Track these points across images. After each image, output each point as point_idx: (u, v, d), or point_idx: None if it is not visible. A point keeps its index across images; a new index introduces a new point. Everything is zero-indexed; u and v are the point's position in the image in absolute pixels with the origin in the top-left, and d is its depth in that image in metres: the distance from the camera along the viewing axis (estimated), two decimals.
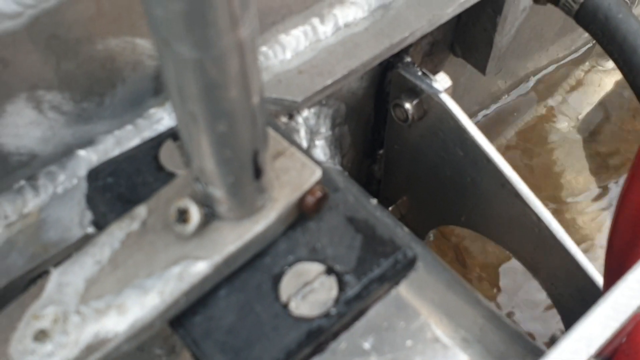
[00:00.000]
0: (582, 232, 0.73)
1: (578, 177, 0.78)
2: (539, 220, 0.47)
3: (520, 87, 0.81)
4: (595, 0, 0.47)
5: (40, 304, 0.26)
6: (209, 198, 0.27)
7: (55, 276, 0.26)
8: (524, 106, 0.81)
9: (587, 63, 0.86)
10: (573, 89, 0.84)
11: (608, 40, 0.47)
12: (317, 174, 0.30)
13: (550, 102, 0.80)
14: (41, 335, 0.25)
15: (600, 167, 0.79)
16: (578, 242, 0.51)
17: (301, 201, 0.30)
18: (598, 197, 0.77)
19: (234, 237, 0.28)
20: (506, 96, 0.78)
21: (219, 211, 0.27)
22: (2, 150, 0.32)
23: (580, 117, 0.85)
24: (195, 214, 0.26)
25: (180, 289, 0.27)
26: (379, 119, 0.54)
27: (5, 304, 0.28)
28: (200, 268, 0.27)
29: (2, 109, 0.30)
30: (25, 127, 0.32)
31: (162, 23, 0.19)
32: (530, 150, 0.79)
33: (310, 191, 0.30)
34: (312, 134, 0.46)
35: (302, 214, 0.30)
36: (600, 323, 0.31)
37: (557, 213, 0.74)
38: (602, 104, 0.88)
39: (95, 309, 0.25)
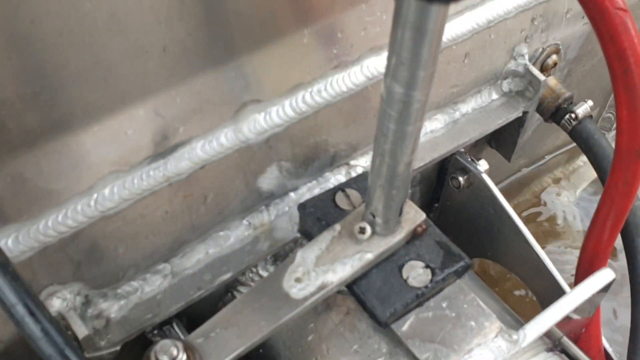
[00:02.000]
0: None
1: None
2: (538, 257, 0.75)
3: (533, 165, 1.10)
4: (582, 126, 0.76)
5: (294, 266, 0.53)
6: (375, 224, 0.55)
7: (300, 253, 0.54)
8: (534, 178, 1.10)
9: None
10: (575, 170, 1.12)
11: (587, 149, 0.75)
12: (423, 215, 0.58)
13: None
14: (297, 280, 0.53)
15: None
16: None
17: (414, 229, 0.58)
18: None
19: (384, 244, 0.55)
20: (522, 171, 1.07)
21: (378, 230, 0.55)
22: (260, 191, 0.60)
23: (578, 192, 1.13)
24: (369, 230, 0.54)
25: (358, 266, 0.54)
26: (438, 185, 0.83)
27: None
28: (369, 257, 0.54)
29: (264, 173, 0.59)
30: (271, 179, 0.61)
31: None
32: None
33: (419, 224, 0.58)
34: None
35: (415, 235, 0.58)
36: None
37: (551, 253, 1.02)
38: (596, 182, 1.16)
39: (322, 270, 0.53)
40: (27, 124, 0.45)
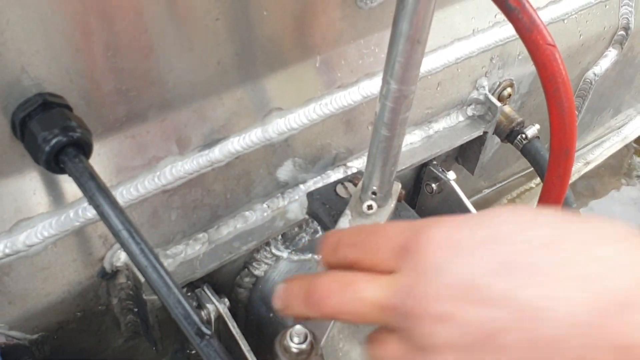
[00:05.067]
0: None
1: None
2: None
3: (493, 187, 1.28)
4: (530, 144, 0.94)
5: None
6: (376, 199, 0.71)
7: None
8: (494, 199, 1.29)
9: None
10: (527, 189, 1.31)
11: (534, 163, 0.93)
12: (399, 185, 0.75)
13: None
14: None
15: None
16: None
17: (399, 196, 0.74)
18: None
19: (386, 211, 0.71)
20: (484, 191, 1.25)
21: (379, 204, 0.71)
22: (277, 181, 0.76)
23: None
24: (375, 205, 0.70)
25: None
26: (415, 191, 1.00)
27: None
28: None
29: (282, 166, 0.75)
30: (287, 171, 0.77)
31: None
32: None
33: (400, 192, 0.74)
34: None
35: (398, 201, 0.74)
36: None
37: None
38: None
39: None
40: (118, 113, 0.61)
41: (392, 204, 0.72)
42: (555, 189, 0.73)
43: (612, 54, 1.07)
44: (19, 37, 0.50)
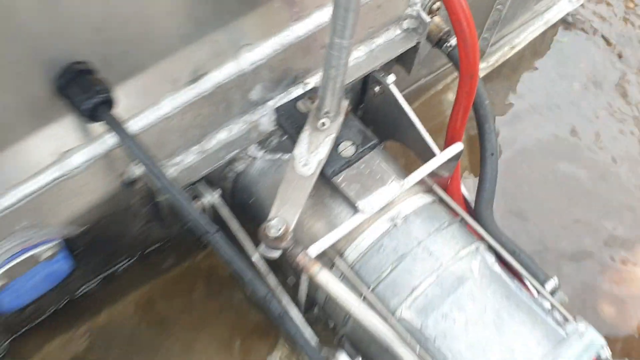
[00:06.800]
0: None
1: None
2: (423, 139, 1.15)
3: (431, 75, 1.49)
4: (454, 51, 1.14)
5: (298, 158, 0.92)
6: (328, 117, 0.92)
7: (297, 150, 0.92)
8: (431, 85, 1.51)
9: None
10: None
11: (457, 67, 1.15)
12: (347, 102, 0.96)
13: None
14: (304, 165, 0.91)
15: None
16: None
17: (346, 112, 0.96)
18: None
19: (336, 125, 0.93)
20: (423, 80, 1.46)
21: (331, 119, 0.93)
22: (250, 101, 0.97)
23: None
24: (327, 122, 0.92)
25: (330, 143, 0.93)
26: (362, 93, 1.21)
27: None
28: (333, 136, 0.92)
29: (253, 89, 0.95)
30: (257, 93, 0.97)
31: None
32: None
33: (346, 108, 0.96)
34: None
35: (346, 117, 0.96)
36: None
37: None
38: None
39: (314, 154, 0.91)
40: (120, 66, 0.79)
41: (340, 119, 0.95)
42: (464, 100, 0.96)
43: None
44: None
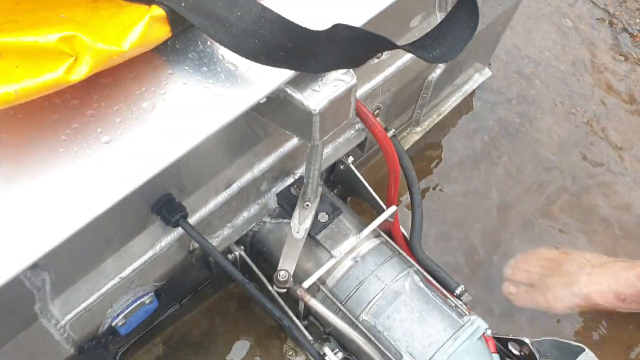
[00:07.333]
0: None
1: None
2: (374, 198, 1.72)
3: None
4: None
5: (294, 226, 1.49)
6: (310, 200, 1.49)
7: (293, 221, 1.49)
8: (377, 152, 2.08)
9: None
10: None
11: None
12: (321, 189, 1.54)
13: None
14: (297, 232, 1.48)
15: None
16: None
17: (322, 195, 1.53)
18: None
19: (314, 205, 1.51)
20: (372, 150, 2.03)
21: (312, 200, 1.50)
22: (260, 191, 1.54)
23: None
24: (310, 203, 1.49)
25: (311, 216, 1.50)
26: (332, 168, 1.77)
27: None
28: (313, 212, 1.49)
29: (262, 185, 1.53)
30: (265, 187, 1.54)
31: None
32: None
33: (322, 193, 1.53)
34: None
35: (321, 197, 1.54)
36: None
37: None
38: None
39: (302, 222, 1.48)
40: (188, 190, 1.36)
41: (317, 199, 1.52)
42: (393, 181, 1.54)
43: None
44: None
